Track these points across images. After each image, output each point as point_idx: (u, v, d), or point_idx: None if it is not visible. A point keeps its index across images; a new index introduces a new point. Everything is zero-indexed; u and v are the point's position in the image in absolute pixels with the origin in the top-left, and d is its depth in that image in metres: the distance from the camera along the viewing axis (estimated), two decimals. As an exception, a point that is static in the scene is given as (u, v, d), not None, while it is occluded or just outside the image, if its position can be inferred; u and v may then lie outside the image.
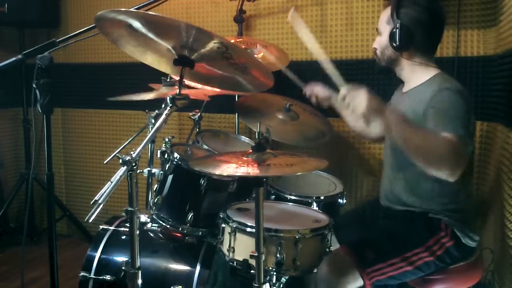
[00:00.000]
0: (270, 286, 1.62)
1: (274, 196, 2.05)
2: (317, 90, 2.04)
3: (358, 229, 1.94)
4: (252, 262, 1.46)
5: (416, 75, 1.80)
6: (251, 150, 1.52)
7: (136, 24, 1.40)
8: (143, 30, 1.43)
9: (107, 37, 1.58)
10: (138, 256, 1.42)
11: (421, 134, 1.56)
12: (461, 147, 1.55)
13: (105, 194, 1.21)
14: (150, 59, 1.68)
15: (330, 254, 1.70)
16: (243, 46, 2.46)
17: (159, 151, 1.97)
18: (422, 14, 1.74)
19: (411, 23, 1.73)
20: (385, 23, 1.81)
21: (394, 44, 1.76)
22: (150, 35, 1.46)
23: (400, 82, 1.92)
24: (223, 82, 1.75)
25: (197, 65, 1.55)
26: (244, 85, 1.70)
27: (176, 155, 1.94)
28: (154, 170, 2.00)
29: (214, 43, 1.40)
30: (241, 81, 1.66)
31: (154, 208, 1.99)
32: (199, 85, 1.90)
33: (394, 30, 1.74)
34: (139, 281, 1.42)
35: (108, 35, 1.56)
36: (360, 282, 1.65)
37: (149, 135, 1.45)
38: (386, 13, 1.81)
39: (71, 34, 1.75)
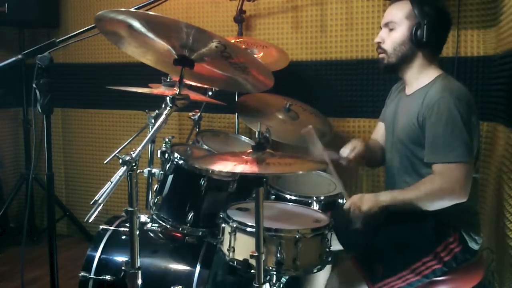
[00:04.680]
0: (270, 286, 1.62)
1: (274, 196, 2.05)
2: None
3: (359, 229, 1.93)
4: (252, 262, 1.45)
5: (421, 76, 1.79)
6: (251, 150, 1.52)
7: (136, 24, 1.40)
8: (143, 30, 1.43)
9: (107, 37, 1.58)
10: (138, 256, 1.42)
11: (417, 191, 1.66)
12: (464, 173, 1.61)
13: (105, 194, 1.21)
14: (151, 59, 1.68)
15: (339, 266, 1.73)
16: (243, 46, 2.46)
17: (159, 151, 1.97)
18: (439, 13, 1.73)
19: (435, 19, 1.71)
20: (403, 18, 1.76)
21: (417, 40, 1.72)
22: (150, 35, 1.46)
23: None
24: (223, 82, 1.74)
25: (197, 65, 1.55)
26: (244, 85, 1.70)
27: (176, 155, 1.94)
28: (154, 170, 2.00)
29: (213, 42, 1.40)
30: (241, 81, 1.66)
31: (154, 208, 1.99)
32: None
33: (421, 25, 1.69)
34: (139, 281, 1.42)
35: (108, 35, 1.56)
36: None
37: (149, 135, 1.45)
38: (403, 7, 1.76)
39: (71, 34, 1.76)
